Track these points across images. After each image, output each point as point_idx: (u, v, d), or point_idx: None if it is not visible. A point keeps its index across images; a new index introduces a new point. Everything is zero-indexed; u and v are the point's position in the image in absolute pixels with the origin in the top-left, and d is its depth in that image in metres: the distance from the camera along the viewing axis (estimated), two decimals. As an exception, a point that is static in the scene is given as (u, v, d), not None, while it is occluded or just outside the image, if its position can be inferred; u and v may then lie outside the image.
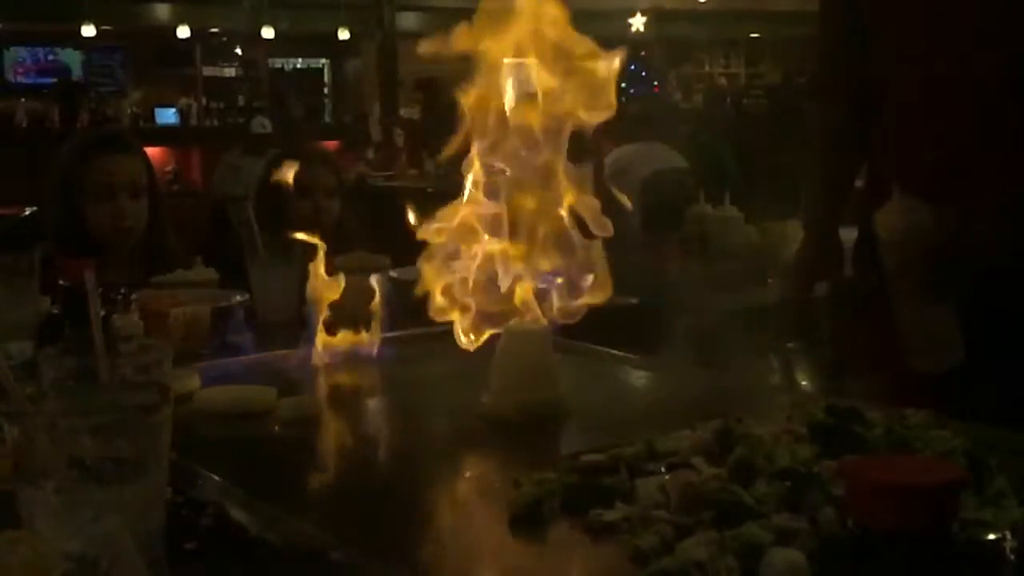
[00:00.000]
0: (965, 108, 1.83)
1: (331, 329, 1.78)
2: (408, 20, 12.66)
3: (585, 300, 1.50)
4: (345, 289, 1.80)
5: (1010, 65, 1.79)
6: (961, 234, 1.75)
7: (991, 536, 0.93)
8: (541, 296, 1.50)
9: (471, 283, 1.50)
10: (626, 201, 1.60)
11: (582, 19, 1.44)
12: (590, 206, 1.48)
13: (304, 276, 2.04)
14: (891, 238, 1.79)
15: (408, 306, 1.83)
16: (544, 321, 1.49)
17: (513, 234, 1.49)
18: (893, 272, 1.81)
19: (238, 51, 14.10)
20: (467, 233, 1.50)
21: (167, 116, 12.57)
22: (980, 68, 1.81)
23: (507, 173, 1.47)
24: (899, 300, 1.81)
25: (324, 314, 1.78)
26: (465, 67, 1.45)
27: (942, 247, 1.75)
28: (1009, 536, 0.93)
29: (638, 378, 1.77)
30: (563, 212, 1.48)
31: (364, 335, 1.80)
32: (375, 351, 1.80)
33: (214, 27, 13.38)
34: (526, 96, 1.45)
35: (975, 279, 1.75)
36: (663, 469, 1.10)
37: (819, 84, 2.29)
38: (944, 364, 1.75)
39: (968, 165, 1.81)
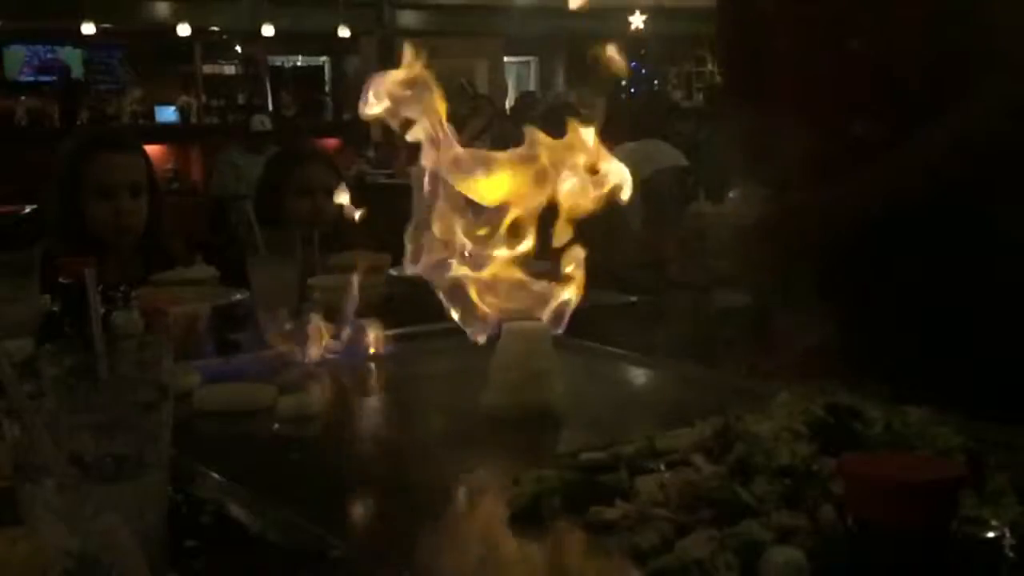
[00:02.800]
0: (824, 99, 1.81)
1: (331, 327, 1.78)
2: (408, 18, 12.64)
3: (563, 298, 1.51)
4: (345, 287, 1.80)
5: (871, 58, 1.76)
6: (804, 214, 1.76)
7: (990, 534, 0.93)
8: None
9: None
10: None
11: (583, 16, 1.44)
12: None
13: (304, 274, 2.04)
14: (742, 224, 1.80)
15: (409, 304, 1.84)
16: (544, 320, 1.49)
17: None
18: (749, 260, 1.82)
19: (238, 49, 14.08)
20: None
21: (167, 114, 12.58)
22: (844, 60, 1.78)
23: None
24: (762, 288, 1.81)
25: (324, 312, 1.78)
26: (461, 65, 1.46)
27: (789, 228, 1.76)
28: (1008, 534, 0.93)
29: (638, 376, 1.77)
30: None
31: (363, 333, 1.80)
32: (375, 349, 1.80)
33: (214, 25, 13.36)
34: (526, 95, 1.46)
35: (832, 256, 1.74)
36: (663, 467, 1.10)
37: (721, 85, 2.29)
38: (812, 343, 1.73)
39: (822, 152, 1.78)
